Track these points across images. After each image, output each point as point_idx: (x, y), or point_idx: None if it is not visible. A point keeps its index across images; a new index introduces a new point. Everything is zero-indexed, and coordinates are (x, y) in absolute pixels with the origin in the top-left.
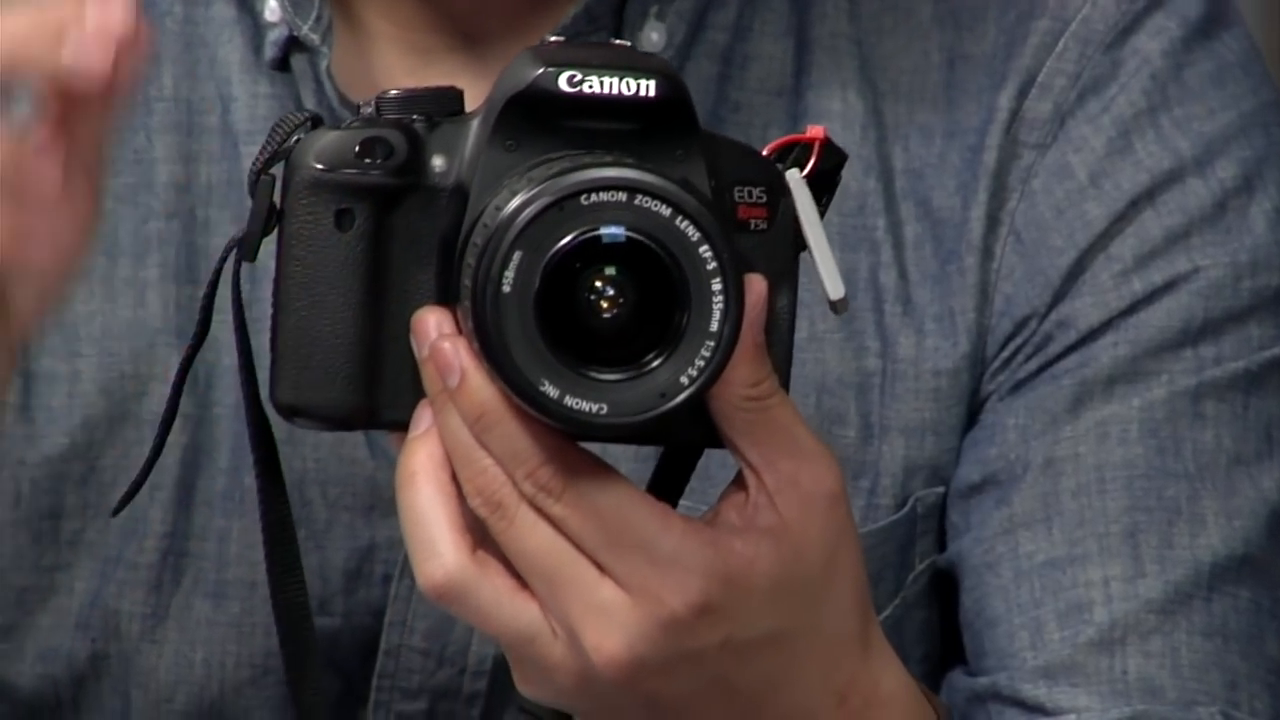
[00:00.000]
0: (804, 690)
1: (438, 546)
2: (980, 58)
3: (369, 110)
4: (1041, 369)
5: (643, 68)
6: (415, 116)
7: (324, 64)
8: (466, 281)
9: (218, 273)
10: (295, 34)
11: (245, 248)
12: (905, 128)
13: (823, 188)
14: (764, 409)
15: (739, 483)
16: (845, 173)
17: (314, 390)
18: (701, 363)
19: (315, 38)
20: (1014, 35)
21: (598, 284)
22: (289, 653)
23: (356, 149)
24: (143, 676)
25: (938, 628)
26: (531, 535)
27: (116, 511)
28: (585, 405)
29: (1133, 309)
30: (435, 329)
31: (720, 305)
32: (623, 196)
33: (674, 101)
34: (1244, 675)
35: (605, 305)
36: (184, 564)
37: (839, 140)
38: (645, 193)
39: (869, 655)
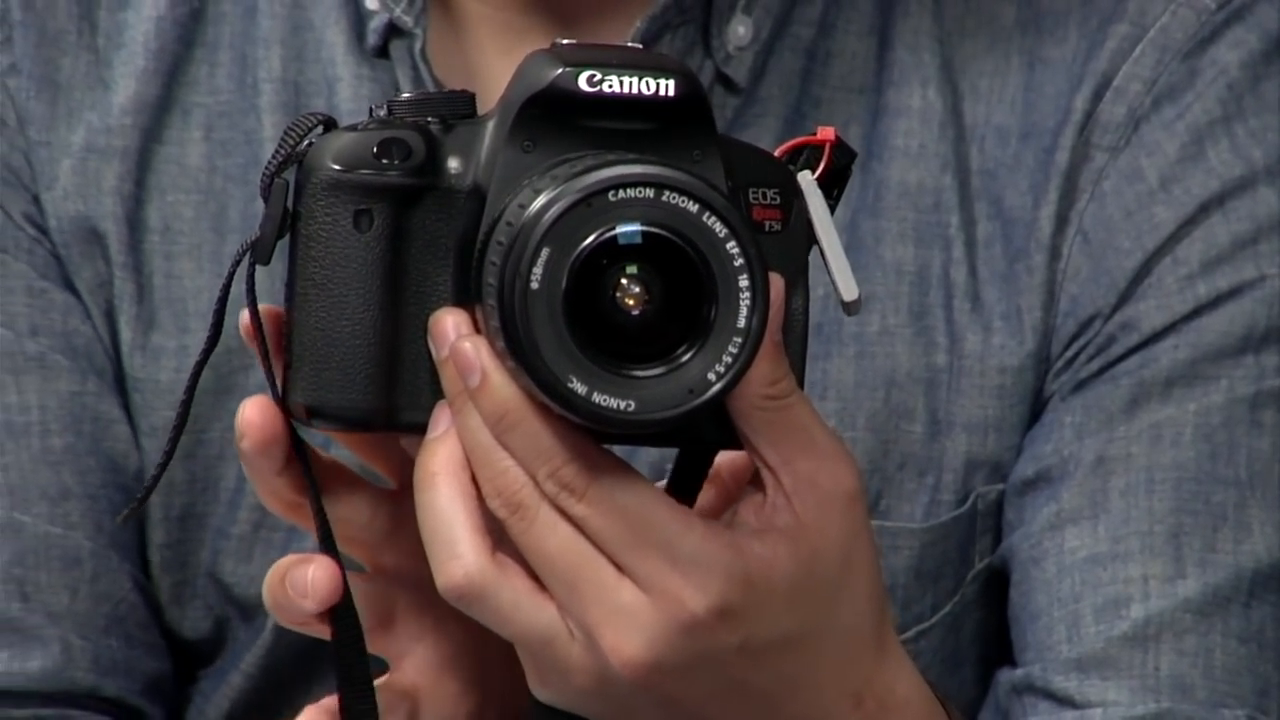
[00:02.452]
0: (820, 693)
1: (458, 547)
2: (1060, 61)
3: (381, 113)
4: (1102, 370)
5: (662, 68)
6: (429, 119)
7: (418, 46)
8: (491, 280)
9: (230, 276)
10: (389, 17)
11: (260, 250)
12: (983, 129)
13: (833, 183)
14: (782, 408)
15: (756, 483)
16: (922, 169)
17: (333, 391)
18: (729, 358)
19: (409, 20)
20: (1093, 40)
21: (625, 281)
22: None
23: (374, 150)
24: (258, 628)
25: (994, 631)
26: (551, 536)
27: (124, 519)
28: (614, 402)
29: (1196, 313)
30: (454, 330)
31: (747, 301)
32: (650, 193)
33: (692, 101)
34: (1276, 683)
35: (632, 302)
36: (273, 537)
37: (917, 137)
38: (672, 189)
39: (885, 657)
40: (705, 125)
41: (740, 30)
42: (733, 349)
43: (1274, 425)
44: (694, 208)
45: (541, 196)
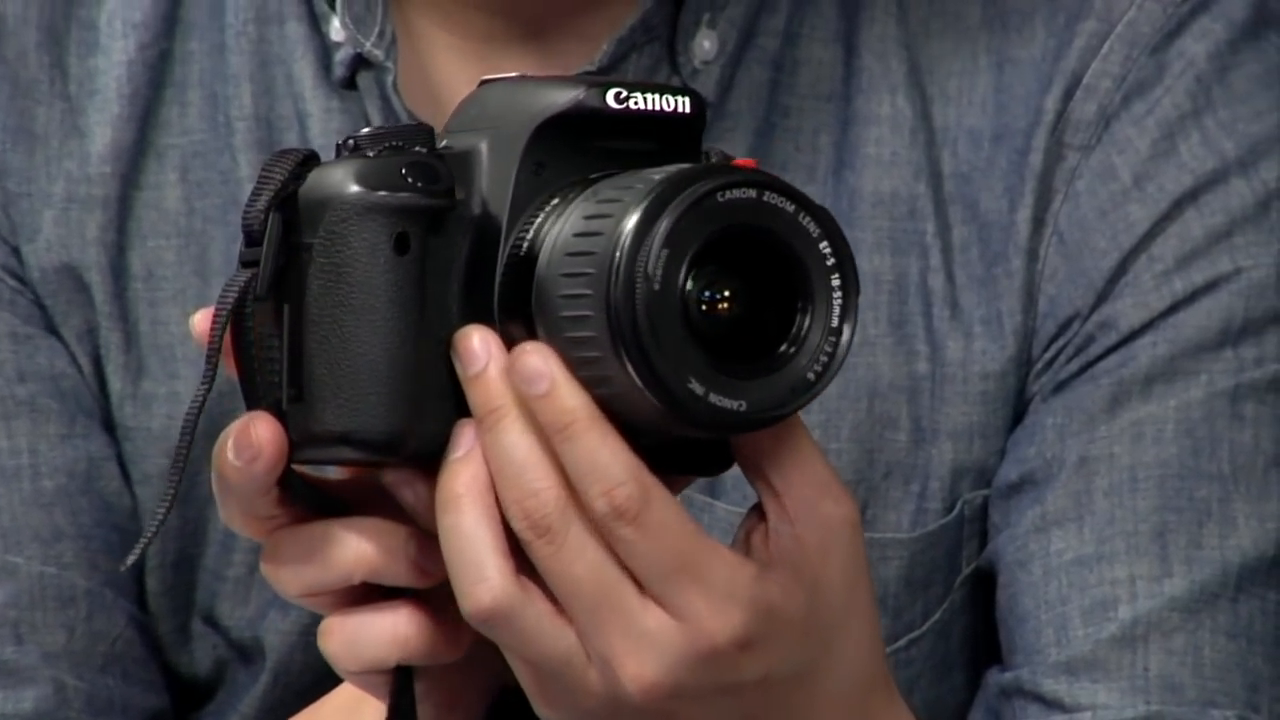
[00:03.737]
0: None
1: (485, 570)
2: (1028, 61)
3: (343, 150)
4: (1082, 370)
5: (671, 87)
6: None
7: (389, 80)
8: (578, 291)
9: (227, 317)
10: (359, 51)
11: (262, 286)
12: (954, 131)
13: None
14: (790, 432)
15: (758, 512)
16: (895, 177)
17: (367, 416)
18: (825, 357)
19: (380, 54)
20: (1062, 38)
21: (729, 281)
22: None
23: (403, 172)
24: (257, 670)
25: (983, 634)
26: (578, 561)
27: (127, 566)
28: (728, 403)
29: (1173, 309)
30: (482, 346)
31: (839, 300)
32: (753, 193)
33: (701, 117)
34: (1266, 678)
35: (736, 303)
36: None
37: (889, 145)
38: (772, 189)
39: (888, 697)
40: (696, 142)
41: (705, 45)
42: (828, 348)
43: (1255, 418)
44: (791, 207)
45: (634, 208)
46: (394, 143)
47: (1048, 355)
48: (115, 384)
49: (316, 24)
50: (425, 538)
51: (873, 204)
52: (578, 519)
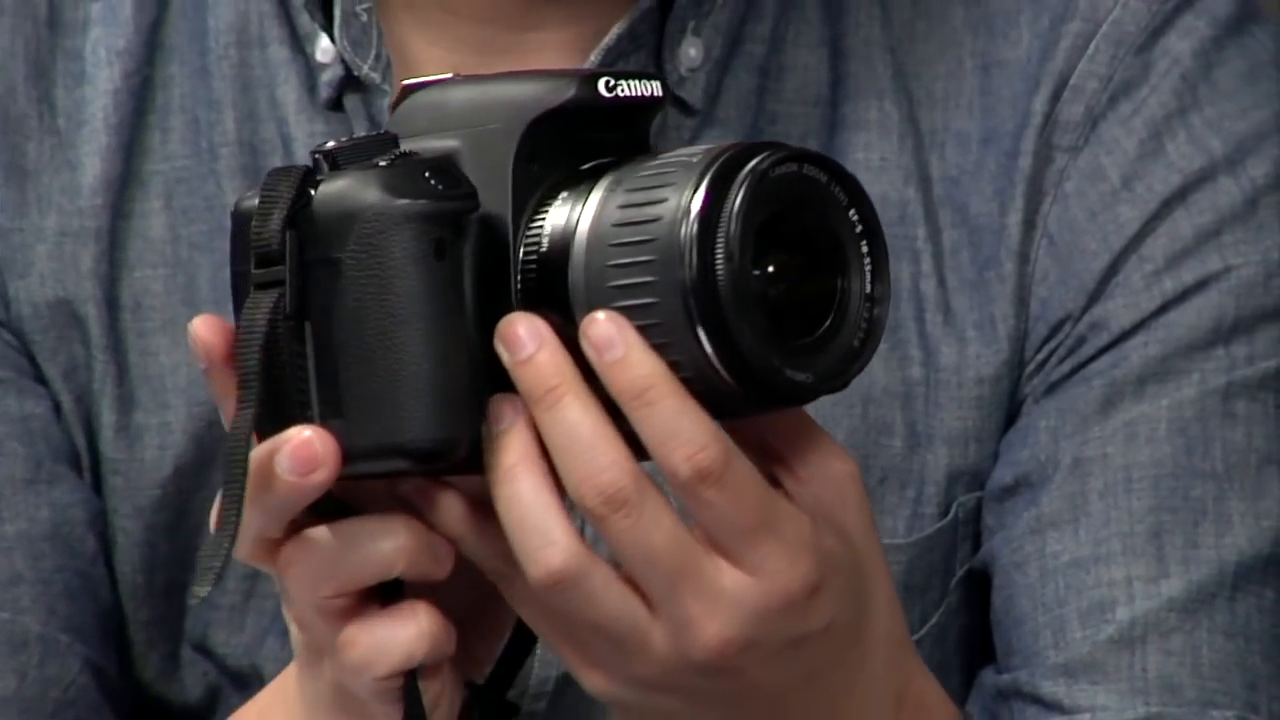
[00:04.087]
0: (872, 689)
1: (552, 534)
2: (1014, 63)
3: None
4: (1074, 371)
5: (644, 73)
6: (366, 162)
7: (384, 101)
8: (624, 280)
9: (261, 341)
10: (356, 74)
11: (293, 305)
12: (941, 134)
13: None
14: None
15: (770, 480)
16: (885, 183)
17: (419, 426)
18: (865, 324)
19: (376, 76)
20: (1047, 39)
21: (787, 255)
22: None
23: (428, 177)
24: (251, 696)
25: (977, 635)
26: (656, 530)
27: (199, 598)
28: (799, 375)
29: (1164, 309)
30: (527, 330)
31: (870, 267)
32: (795, 167)
33: (664, 101)
34: (1265, 676)
35: (796, 276)
36: (265, 605)
37: (877, 150)
38: (808, 160)
39: (916, 660)
40: (647, 134)
41: (691, 52)
42: (865, 315)
43: (1246, 415)
44: (824, 178)
45: (693, 188)
46: (365, 152)
47: (1039, 357)
48: (107, 417)
49: (299, 46)
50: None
51: None
52: (651, 488)
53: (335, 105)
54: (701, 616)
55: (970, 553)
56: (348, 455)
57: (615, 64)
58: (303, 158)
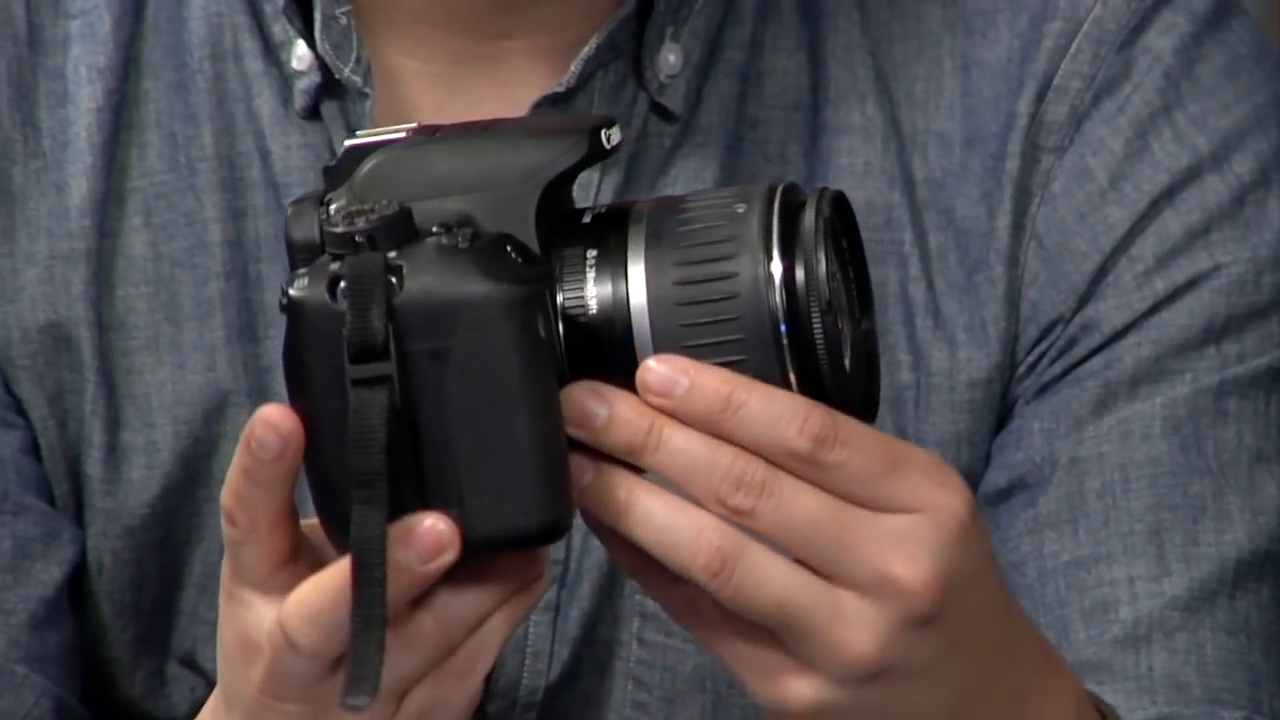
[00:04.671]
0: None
1: (697, 520)
2: (994, 63)
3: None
4: (1066, 372)
5: (609, 117)
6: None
7: (368, 105)
8: (701, 340)
9: (383, 444)
10: (337, 76)
11: (398, 401)
12: (923, 136)
13: None
14: None
15: None
16: (870, 188)
17: (536, 510)
18: (868, 355)
19: (358, 80)
20: (1028, 39)
21: (844, 297)
22: None
23: (514, 256)
24: None
25: None
26: (804, 497)
27: (359, 709)
28: (856, 409)
29: (1155, 309)
30: (596, 398)
31: (859, 294)
32: (828, 210)
33: None
34: (1265, 673)
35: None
36: None
37: (861, 155)
38: (837, 201)
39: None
40: None
41: (671, 59)
42: (870, 346)
43: (1238, 413)
44: (844, 216)
45: (763, 254)
46: (398, 229)
47: (1031, 359)
48: (97, 439)
49: (273, 57)
50: None
51: None
52: (778, 469)
53: (312, 114)
54: (888, 564)
55: None
56: (465, 542)
57: (594, 73)
58: (280, 170)
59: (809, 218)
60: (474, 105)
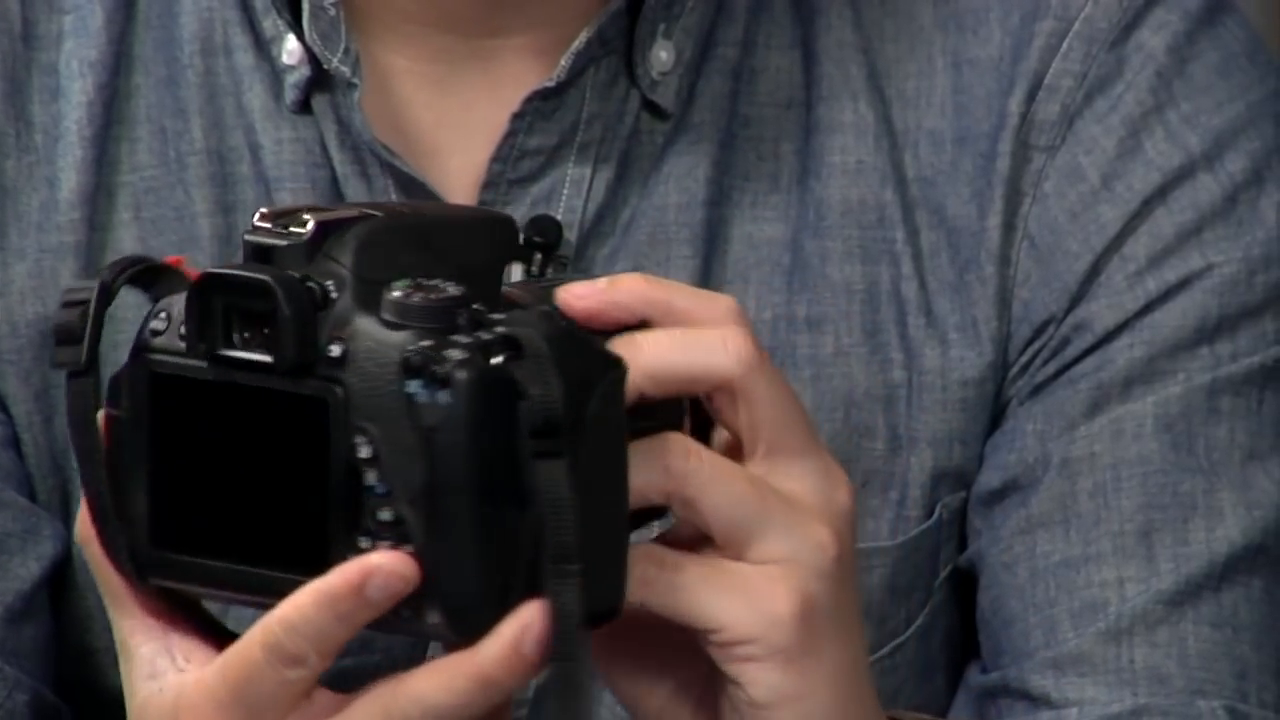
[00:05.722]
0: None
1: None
2: (985, 61)
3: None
4: (1059, 372)
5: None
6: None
7: (356, 95)
8: None
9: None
10: (326, 67)
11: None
12: (914, 134)
13: None
14: None
15: None
16: (862, 186)
17: (617, 587)
18: None
19: (346, 70)
20: (1019, 38)
21: None
22: None
23: (566, 328)
24: None
25: (959, 635)
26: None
27: None
28: None
29: (1147, 309)
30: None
31: None
32: None
33: None
34: (1254, 666)
35: None
36: (243, 612)
37: (854, 153)
38: None
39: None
40: None
41: (663, 55)
42: None
43: (1230, 411)
44: None
45: None
46: (441, 315)
47: (1023, 359)
48: None
49: (264, 51)
50: None
51: (841, 213)
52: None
53: (303, 108)
54: (829, 492)
55: (955, 553)
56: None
57: (585, 70)
58: (271, 165)
59: None
60: (464, 103)
